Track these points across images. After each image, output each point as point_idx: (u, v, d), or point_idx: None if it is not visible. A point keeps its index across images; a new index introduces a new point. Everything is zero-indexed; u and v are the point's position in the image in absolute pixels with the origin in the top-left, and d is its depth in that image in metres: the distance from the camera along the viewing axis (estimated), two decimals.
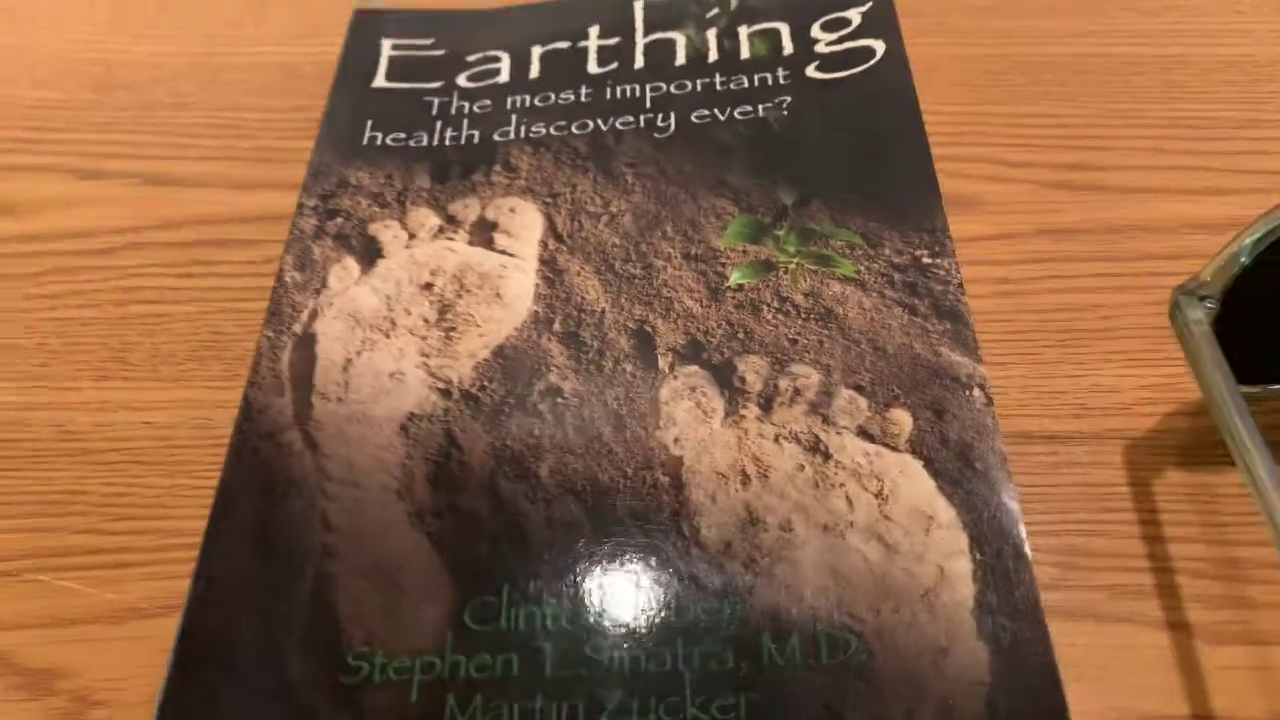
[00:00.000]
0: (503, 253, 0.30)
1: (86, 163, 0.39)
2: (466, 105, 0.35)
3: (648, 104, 0.34)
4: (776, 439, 0.25)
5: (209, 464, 0.29)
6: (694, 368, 0.27)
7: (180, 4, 0.46)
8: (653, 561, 0.24)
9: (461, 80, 0.36)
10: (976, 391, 0.26)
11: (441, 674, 0.22)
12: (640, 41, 0.36)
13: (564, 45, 0.36)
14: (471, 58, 0.37)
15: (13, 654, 0.26)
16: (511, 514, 0.25)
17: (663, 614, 0.23)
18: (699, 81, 0.34)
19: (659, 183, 0.32)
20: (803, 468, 0.25)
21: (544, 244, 0.30)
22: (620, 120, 0.34)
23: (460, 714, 0.22)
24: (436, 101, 0.35)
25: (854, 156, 0.31)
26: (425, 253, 0.31)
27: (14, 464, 0.30)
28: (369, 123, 0.35)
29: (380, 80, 0.36)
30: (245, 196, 0.37)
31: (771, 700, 0.21)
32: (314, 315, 0.29)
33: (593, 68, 0.36)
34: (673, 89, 0.34)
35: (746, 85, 0.34)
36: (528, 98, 0.35)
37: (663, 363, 0.27)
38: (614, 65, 0.35)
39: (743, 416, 0.26)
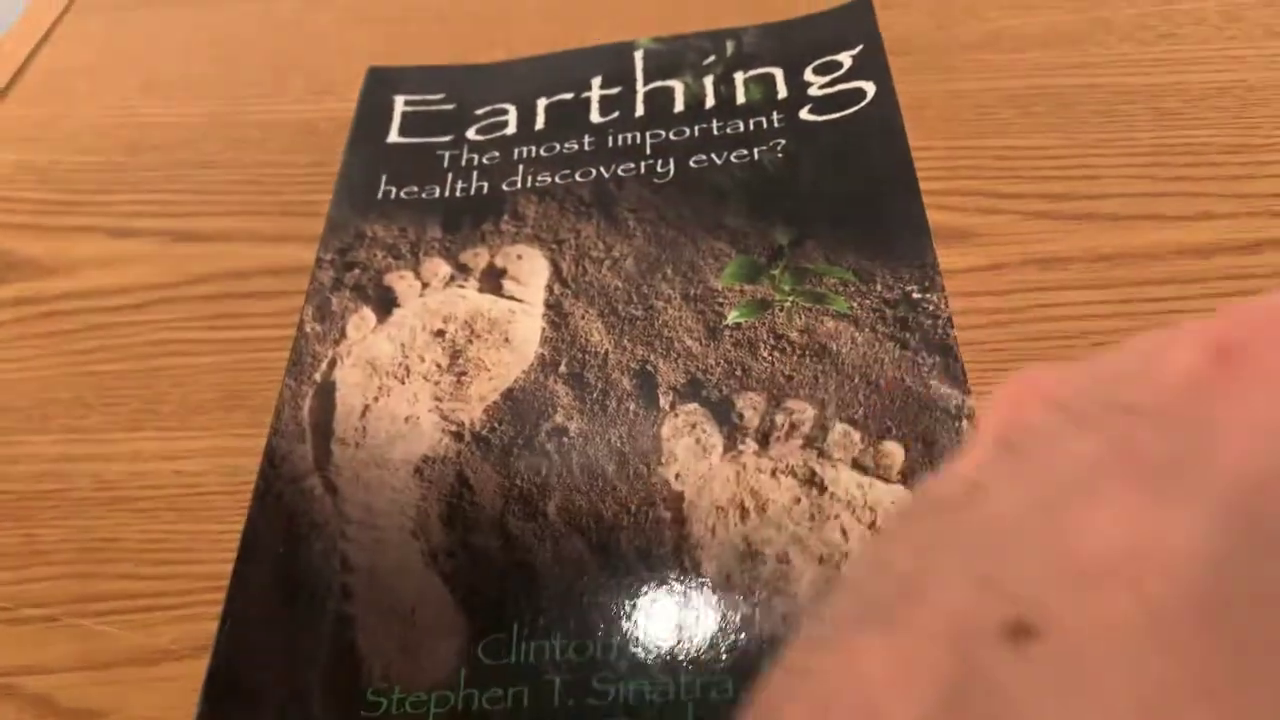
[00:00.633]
0: (511, 298, 0.32)
1: (119, 222, 0.42)
2: (476, 157, 0.36)
3: (648, 151, 0.35)
4: (773, 473, 0.26)
5: (236, 509, 0.31)
6: (694, 405, 0.28)
7: (205, 66, 0.49)
8: (656, 595, 0.25)
9: (471, 133, 0.38)
10: (966, 423, 0.27)
11: (455, 707, 0.23)
12: (640, 90, 0.38)
13: (568, 96, 0.38)
14: (480, 111, 0.38)
15: (53, 696, 0.27)
16: (521, 552, 0.26)
17: (666, 646, 0.24)
18: (697, 127, 0.36)
19: (659, 227, 0.33)
20: (799, 500, 0.26)
21: (550, 289, 0.32)
22: (622, 167, 0.35)
23: None
24: (447, 154, 0.37)
25: (846, 196, 0.32)
26: (438, 301, 0.32)
27: (59, 514, 0.32)
28: (384, 177, 0.36)
29: (394, 135, 0.38)
30: (269, 249, 0.39)
31: None
32: (333, 364, 0.31)
33: (595, 117, 0.37)
34: (672, 135, 0.36)
35: (742, 130, 0.35)
36: (533, 148, 0.36)
37: (664, 401, 0.28)
38: (615, 114, 0.37)
39: (741, 452, 0.27)
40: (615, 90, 0.38)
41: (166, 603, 0.29)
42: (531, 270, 0.32)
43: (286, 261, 0.38)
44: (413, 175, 0.36)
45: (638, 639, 0.24)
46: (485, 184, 0.35)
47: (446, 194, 0.35)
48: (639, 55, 0.39)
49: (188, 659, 0.27)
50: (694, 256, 0.32)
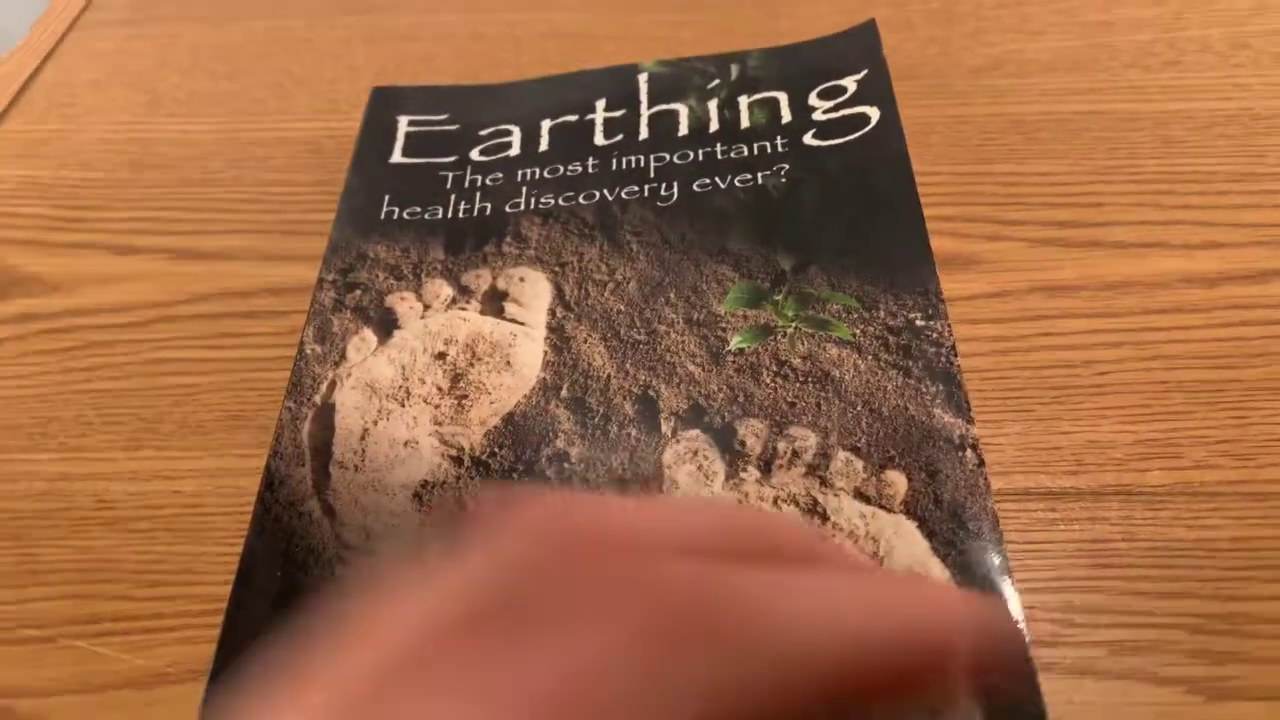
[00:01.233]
0: (513, 321, 0.32)
1: (121, 239, 0.42)
2: (479, 178, 0.36)
3: (652, 174, 0.35)
4: (775, 501, 0.26)
5: (235, 531, 0.30)
6: (696, 431, 0.28)
7: (211, 83, 0.49)
8: None
9: (475, 154, 0.38)
10: (969, 453, 0.26)
11: None
12: (645, 113, 0.38)
13: (572, 118, 0.38)
14: (484, 132, 0.38)
15: (49, 718, 0.27)
16: None
17: None
18: (701, 151, 0.36)
19: (662, 250, 0.33)
20: None
21: (552, 312, 0.32)
22: (625, 190, 0.35)
23: None
24: (451, 175, 0.37)
25: (850, 221, 0.32)
26: (439, 323, 0.32)
27: (58, 533, 0.32)
28: (386, 197, 0.36)
29: (397, 156, 0.38)
30: (271, 269, 0.39)
31: None
32: (333, 386, 0.31)
33: (599, 139, 0.37)
34: (675, 159, 0.36)
35: (746, 154, 0.35)
36: (537, 170, 0.36)
37: (666, 427, 0.28)
38: (620, 137, 0.37)
39: (743, 479, 0.27)
40: (620, 113, 0.38)
41: (164, 624, 0.29)
42: (534, 293, 0.32)
43: (288, 281, 0.38)
44: (416, 196, 0.36)
45: None
46: (488, 205, 0.35)
47: (449, 215, 0.35)
48: (643, 78, 0.39)
49: (184, 682, 0.27)
50: (697, 280, 0.32)
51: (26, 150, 0.46)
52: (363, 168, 0.38)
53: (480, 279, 0.33)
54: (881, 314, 0.30)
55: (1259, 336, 0.32)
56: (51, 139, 0.47)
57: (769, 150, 0.35)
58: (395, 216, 0.35)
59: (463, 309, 0.32)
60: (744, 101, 0.37)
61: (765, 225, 0.33)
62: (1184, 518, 0.28)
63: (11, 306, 0.39)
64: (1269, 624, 0.26)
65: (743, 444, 0.28)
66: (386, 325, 0.32)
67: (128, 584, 0.30)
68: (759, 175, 0.34)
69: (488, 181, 0.36)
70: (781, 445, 0.27)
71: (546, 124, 0.38)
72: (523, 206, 0.35)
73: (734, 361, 0.29)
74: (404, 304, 0.33)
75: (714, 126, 0.37)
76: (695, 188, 0.34)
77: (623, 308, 0.32)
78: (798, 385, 0.29)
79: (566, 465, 0.28)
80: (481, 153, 0.38)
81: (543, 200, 0.35)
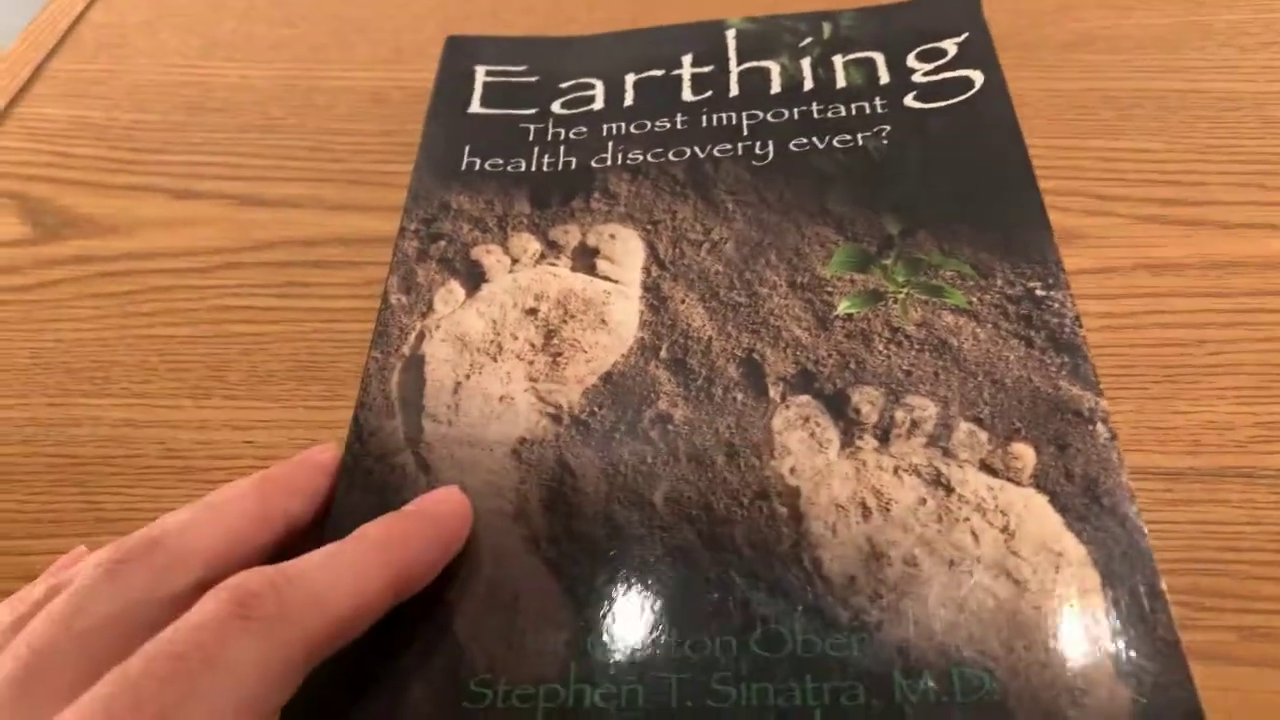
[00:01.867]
0: (605, 279, 0.30)
1: (180, 183, 0.40)
2: (562, 132, 0.35)
3: (745, 132, 0.34)
4: (896, 471, 0.25)
5: None
6: (806, 397, 0.27)
7: (267, 28, 0.47)
8: (776, 593, 0.23)
9: (556, 107, 0.36)
10: (1100, 426, 0.25)
11: (565, 702, 0.22)
12: (734, 70, 0.36)
13: (658, 73, 0.37)
14: (565, 85, 0.37)
15: None
16: (628, 541, 0.25)
17: (789, 647, 0.22)
18: (796, 110, 0.34)
19: (760, 210, 0.32)
20: (925, 501, 0.25)
21: (646, 270, 0.30)
22: (718, 148, 0.34)
23: None
24: (532, 128, 0.35)
25: (958, 187, 0.31)
26: (528, 278, 0.31)
27: (123, 481, 0.30)
28: (466, 148, 0.35)
29: (476, 106, 0.36)
30: (337, 218, 0.38)
31: None
32: (421, 338, 0.29)
33: (687, 95, 0.36)
34: (769, 117, 0.34)
35: (844, 114, 0.34)
36: (623, 125, 0.35)
37: (774, 392, 0.27)
38: (709, 93, 0.36)
39: (859, 448, 0.26)
40: (708, 69, 0.36)
41: None
42: (626, 250, 0.31)
43: (358, 232, 0.37)
44: (497, 147, 0.35)
45: (759, 640, 0.23)
46: (573, 159, 0.34)
47: (533, 168, 0.34)
48: (730, 35, 0.38)
49: None
50: (798, 242, 0.31)
51: (77, 90, 0.45)
52: (440, 117, 0.36)
53: (569, 234, 0.32)
54: (999, 282, 0.29)
55: None
56: (103, 78, 0.45)
57: (868, 111, 0.34)
58: (477, 167, 0.34)
59: (552, 264, 0.31)
60: (839, 61, 0.36)
61: (868, 187, 0.32)
62: None
63: (66, 248, 0.38)
64: None
65: (857, 412, 0.26)
66: (474, 278, 0.31)
67: None
68: (859, 136, 0.33)
69: (571, 135, 0.35)
70: (899, 414, 0.26)
71: (630, 78, 0.37)
72: (609, 162, 0.34)
73: (843, 327, 0.28)
74: (490, 257, 0.31)
75: (809, 85, 0.35)
76: (792, 147, 0.33)
77: (721, 268, 0.30)
78: (913, 353, 0.27)
79: (670, 427, 0.27)
80: (563, 106, 0.36)
81: (630, 156, 0.34)
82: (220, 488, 0.26)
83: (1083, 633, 0.22)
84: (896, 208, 0.31)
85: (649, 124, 0.35)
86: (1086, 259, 0.33)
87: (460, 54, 0.39)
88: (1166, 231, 0.34)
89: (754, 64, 0.37)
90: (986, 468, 0.25)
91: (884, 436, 0.26)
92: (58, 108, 0.44)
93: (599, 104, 0.36)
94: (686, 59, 0.37)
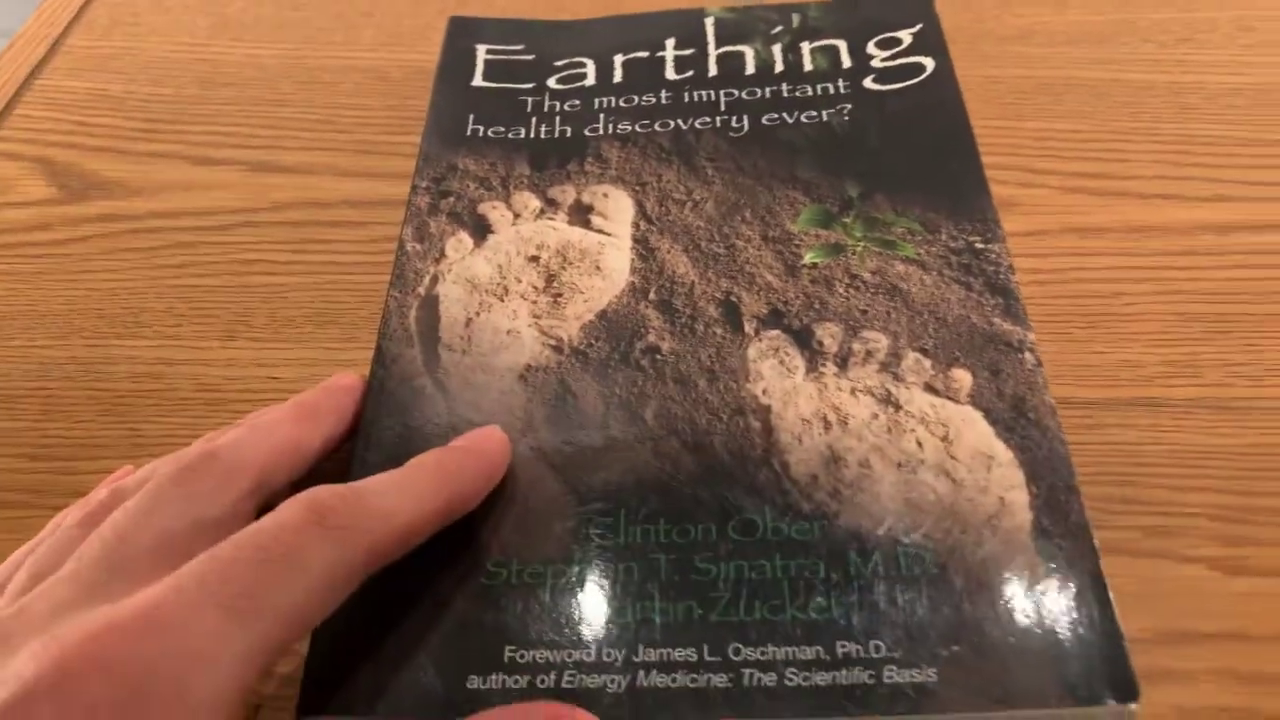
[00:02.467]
0: (599, 231, 0.34)
1: (198, 150, 0.43)
2: (557, 104, 0.39)
3: (722, 107, 0.38)
4: (853, 391, 0.29)
5: None
6: (776, 332, 0.31)
7: (273, 10, 0.50)
8: (750, 489, 0.27)
9: (551, 83, 0.40)
10: (1028, 355, 0.29)
11: (570, 579, 0.26)
12: (713, 53, 0.40)
13: (643, 54, 0.41)
14: (559, 63, 0.41)
15: None
16: (623, 449, 0.28)
17: (761, 532, 0.26)
18: (767, 89, 0.39)
19: (736, 175, 0.36)
20: (877, 416, 0.29)
21: (636, 225, 0.34)
22: (699, 120, 0.38)
23: (588, 611, 0.25)
24: (530, 100, 0.39)
25: (911, 157, 0.35)
26: (530, 230, 0.34)
27: (160, 411, 0.34)
28: (471, 116, 0.38)
29: (479, 80, 0.40)
30: (349, 183, 0.41)
31: (860, 603, 0.25)
32: (435, 280, 0.33)
33: (670, 74, 0.40)
34: (744, 95, 0.38)
35: (811, 94, 0.38)
36: (613, 99, 0.39)
37: (749, 327, 0.31)
38: (690, 73, 0.40)
39: (822, 373, 0.30)
40: (689, 51, 0.40)
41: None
42: (618, 207, 0.35)
43: (370, 194, 0.40)
44: (498, 116, 0.38)
45: (735, 526, 0.26)
46: (568, 128, 0.38)
47: (531, 135, 0.38)
48: (710, 22, 0.42)
49: None
50: (770, 203, 0.35)
51: (94, 65, 0.48)
52: (446, 89, 0.40)
53: (566, 193, 0.36)
54: (943, 236, 0.33)
55: (1265, 279, 0.36)
56: (119, 54, 0.48)
57: (831, 91, 0.38)
58: (481, 134, 0.38)
59: (551, 219, 0.35)
60: (806, 47, 0.40)
61: (832, 157, 0.36)
62: (1204, 427, 0.31)
63: (94, 207, 0.41)
64: (1277, 514, 0.29)
65: (820, 344, 0.30)
66: (481, 230, 0.34)
67: None
68: (823, 113, 0.37)
69: (566, 107, 0.39)
70: (856, 346, 0.30)
71: (619, 58, 0.40)
72: (601, 131, 0.38)
73: (809, 274, 0.32)
74: (495, 211, 0.35)
75: (779, 68, 0.39)
76: (764, 121, 0.37)
77: (702, 224, 0.34)
78: (869, 295, 0.31)
79: (659, 357, 0.31)
80: (558, 81, 0.40)
81: (620, 126, 0.38)
82: (259, 410, 0.30)
83: (1009, 519, 0.26)
84: (856, 175, 0.35)
85: (636, 98, 0.39)
86: (1020, 223, 0.38)
87: (463, 33, 0.42)
88: (1091, 201, 0.39)
89: (730, 48, 0.41)
90: (930, 389, 0.29)
91: (843, 364, 0.30)
92: (77, 80, 0.47)
93: (590, 80, 0.40)
94: (670, 42, 0.41)
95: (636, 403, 0.29)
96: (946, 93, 0.37)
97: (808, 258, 0.33)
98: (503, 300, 0.32)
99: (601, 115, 0.38)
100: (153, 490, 0.24)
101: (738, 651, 0.24)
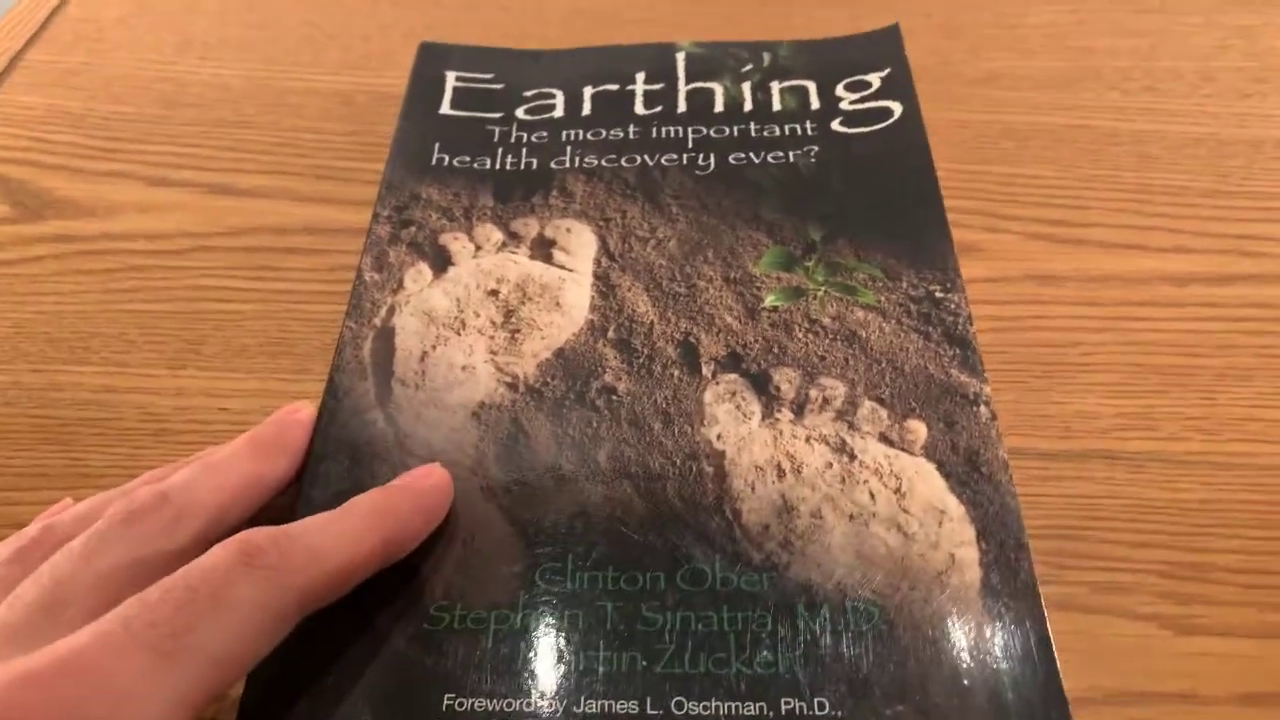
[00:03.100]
0: (561, 267, 0.34)
1: (155, 171, 0.42)
2: (525, 135, 0.39)
3: (690, 144, 0.38)
4: (808, 439, 0.29)
5: None
6: (734, 375, 0.31)
7: (241, 30, 0.50)
8: (700, 538, 0.27)
9: (520, 113, 0.40)
10: (983, 408, 0.29)
11: (514, 625, 0.25)
12: (683, 89, 0.40)
13: (613, 87, 0.40)
14: (528, 93, 0.41)
15: None
16: (574, 491, 0.28)
17: (710, 582, 0.26)
18: (735, 128, 0.39)
19: (700, 214, 0.36)
20: (831, 465, 0.28)
21: (598, 261, 0.34)
22: (665, 157, 0.37)
23: (530, 659, 0.25)
24: (497, 130, 0.39)
25: (875, 202, 0.35)
26: (491, 263, 0.34)
27: (105, 440, 0.33)
28: (437, 145, 0.38)
29: (446, 108, 0.40)
30: (306, 209, 0.41)
31: (806, 659, 0.25)
32: (392, 311, 0.32)
33: (639, 109, 0.40)
34: (712, 133, 0.38)
35: (778, 134, 0.38)
36: (580, 132, 0.39)
37: (706, 370, 0.31)
38: (659, 108, 0.40)
39: (778, 419, 0.30)
40: (659, 86, 0.40)
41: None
42: (580, 243, 0.35)
43: (327, 221, 0.40)
44: (465, 146, 0.38)
45: (684, 575, 0.26)
46: (534, 160, 0.38)
47: (497, 166, 0.37)
48: (681, 57, 0.42)
49: None
50: (733, 243, 0.34)
51: (55, 80, 0.47)
52: (413, 116, 0.39)
53: (529, 226, 0.35)
54: (904, 284, 0.33)
55: (1223, 331, 0.36)
56: (81, 70, 0.47)
57: (799, 132, 0.38)
58: (446, 164, 0.37)
59: (513, 252, 0.34)
60: (775, 86, 0.40)
61: (796, 199, 0.36)
62: (1158, 481, 0.31)
63: (47, 227, 0.40)
64: (1229, 572, 0.29)
65: (778, 389, 0.30)
66: (441, 261, 0.34)
67: None
68: (790, 154, 0.37)
69: (533, 139, 0.39)
70: (813, 392, 0.30)
71: (589, 90, 0.40)
72: (567, 165, 0.37)
73: (769, 317, 0.32)
74: (457, 243, 0.35)
75: (748, 106, 0.39)
76: (731, 160, 0.37)
77: (664, 262, 0.34)
78: (827, 341, 0.31)
79: (614, 397, 0.30)
80: (526, 112, 0.40)
81: (586, 160, 0.38)
82: (215, 448, 0.29)
83: (958, 577, 0.26)
84: (820, 218, 0.35)
85: (604, 132, 0.39)
86: (981, 269, 0.38)
87: (432, 59, 0.42)
88: (1052, 248, 0.39)
89: (700, 84, 0.41)
90: (885, 439, 0.29)
91: (799, 410, 0.30)
92: (36, 96, 0.46)
93: (559, 112, 0.40)
94: (640, 76, 0.41)
95: (590, 444, 0.29)
96: (913, 138, 0.38)
97: (768, 300, 0.33)
98: (459, 334, 0.32)
99: (568, 148, 0.38)
100: (99, 531, 0.23)
101: (680, 705, 0.24)
